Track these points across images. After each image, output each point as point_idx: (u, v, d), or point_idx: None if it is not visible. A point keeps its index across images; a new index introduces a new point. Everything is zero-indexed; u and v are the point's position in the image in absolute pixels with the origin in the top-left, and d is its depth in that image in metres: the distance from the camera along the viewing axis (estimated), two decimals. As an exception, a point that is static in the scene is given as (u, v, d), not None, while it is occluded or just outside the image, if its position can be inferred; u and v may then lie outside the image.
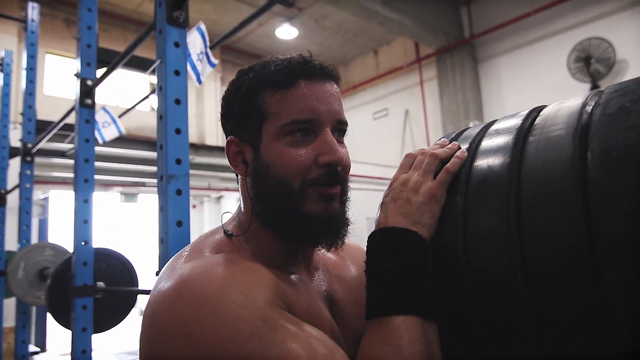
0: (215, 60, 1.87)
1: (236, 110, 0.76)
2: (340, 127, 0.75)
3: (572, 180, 0.56)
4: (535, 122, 0.69)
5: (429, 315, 0.62)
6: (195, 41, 1.79)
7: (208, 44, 1.93)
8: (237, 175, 0.80)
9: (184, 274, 0.63)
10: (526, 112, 0.74)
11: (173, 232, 1.56)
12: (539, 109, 0.74)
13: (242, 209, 0.79)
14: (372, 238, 0.68)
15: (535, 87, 7.71)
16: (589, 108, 0.62)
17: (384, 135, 10.13)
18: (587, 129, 0.59)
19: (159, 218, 1.60)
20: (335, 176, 0.72)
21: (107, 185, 9.11)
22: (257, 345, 0.56)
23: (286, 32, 9.28)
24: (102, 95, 7.74)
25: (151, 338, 0.60)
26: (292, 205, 0.71)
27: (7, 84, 4.31)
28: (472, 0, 8.63)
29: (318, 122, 0.72)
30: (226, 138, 0.79)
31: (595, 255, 0.52)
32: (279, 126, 0.71)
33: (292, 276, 0.74)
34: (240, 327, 0.56)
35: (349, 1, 7.07)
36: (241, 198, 0.79)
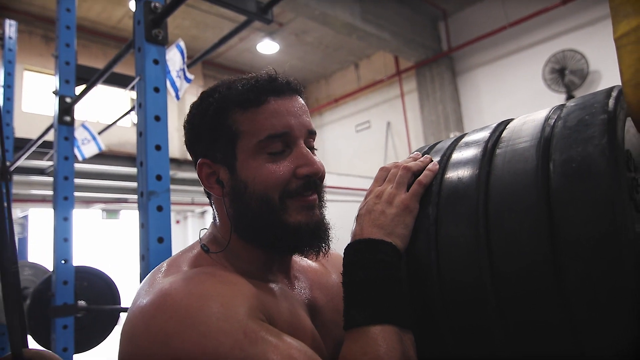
0: (191, 76, 1.88)
1: (205, 133, 0.77)
2: (311, 138, 0.79)
3: (536, 190, 0.59)
4: (502, 135, 0.72)
5: (405, 323, 0.64)
6: (174, 58, 1.81)
7: (185, 60, 1.95)
8: (208, 196, 0.81)
9: (164, 288, 0.63)
10: (495, 125, 0.77)
11: (154, 249, 1.55)
12: (507, 122, 0.77)
13: (218, 226, 0.80)
14: (347, 249, 0.70)
15: (512, 98, 7.87)
16: (551, 121, 0.66)
17: (367, 147, 10.21)
18: (549, 141, 0.62)
19: (139, 235, 1.59)
20: (314, 186, 0.75)
21: (89, 202, 8.99)
22: (238, 358, 0.56)
23: (267, 46, 9.34)
24: (83, 111, 7.67)
25: (131, 353, 0.60)
26: (275, 218, 0.73)
27: (-16, 101, 4.25)
28: (449, 15, 8.82)
29: (292, 135, 0.74)
30: (194, 160, 0.79)
31: (558, 261, 0.55)
32: (254, 143, 0.73)
33: (273, 286, 0.76)
34: (221, 340, 0.57)
35: (328, 17, 7.16)
36: (217, 216, 0.80)
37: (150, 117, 1.62)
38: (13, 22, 3.88)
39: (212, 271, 0.69)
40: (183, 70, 1.95)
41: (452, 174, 0.71)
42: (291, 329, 0.67)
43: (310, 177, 0.74)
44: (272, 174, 0.72)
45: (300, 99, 0.79)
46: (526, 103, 7.50)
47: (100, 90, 7.80)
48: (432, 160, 0.76)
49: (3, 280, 0.78)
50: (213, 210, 0.81)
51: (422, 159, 0.78)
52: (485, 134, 0.74)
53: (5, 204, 0.82)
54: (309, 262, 0.92)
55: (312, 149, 0.79)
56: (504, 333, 0.60)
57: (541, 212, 0.57)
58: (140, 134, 1.64)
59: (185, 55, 1.96)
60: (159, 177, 1.59)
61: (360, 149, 10.36)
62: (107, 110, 8.15)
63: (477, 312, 0.62)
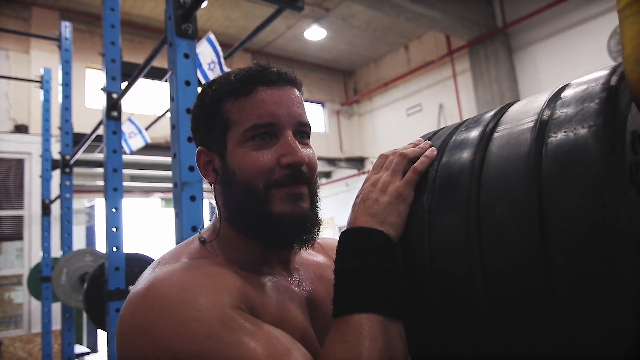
0: (226, 68, 1.91)
1: (202, 122, 0.80)
2: (302, 130, 0.77)
3: (527, 177, 0.55)
4: (502, 117, 0.67)
5: (392, 314, 0.62)
6: (205, 51, 1.84)
7: (221, 53, 1.98)
8: (211, 185, 0.83)
9: (151, 278, 0.66)
10: (500, 107, 0.73)
11: (188, 237, 1.61)
12: (512, 103, 0.73)
13: (217, 216, 0.81)
14: (340, 238, 0.69)
15: (575, 73, 7.32)
16: (552, 103, 0.61)
17: (419, 131, 9.93)
18: (546, 123, 0.58)
19: (175, 223, 1.66)
20: (299, 176, 0.74)
21: (148, 191, 9.44)
22: (214, 346, 0.58)
23: (315, 33, 9.31)
24: (137, 105, 8.02)
25: (119, 339, 0.64)
26: (259, 207, 0.73)
27: (47, 100, 4.55)
28: (503, -12, 8.39)
29: (278, 125, 0.74)
30: (197, 149, 0.82)
31: (548, 255, 0.51)
32: (241, 132, 0.74)
33: (266, 279, 0.76)
34: (197, 328, 0.59)
35: (375, -2, 7.02)
36: (215, 205, 0.82)
37: (182, 110, 1.67)
38: (68, 24, 4.11)
39: (198, 263, 0.71)
40: (219, 62, 1.99)
41: (448, 159, 0.68)
42: (277, 322, 0.68)
43: (294, 167, 0.73)
44: (255, 161, 0.73)
45: (294, 90, 0.78)
46: (589, 78, 7.03)
47: (153, 85, 8.12)
48: (432, 146, 0.73)
49: None
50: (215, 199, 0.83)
51: (421, 145, 0.75)
52: (487, 116, 0.71)
53: None
54: (315, 254, 0.92)
55: (304, 141, 0.78)
56: (495, 328, 0.57)
57: (531, 201, 0.53)
58: (173, 127, 1.69)
59: (218, 47, 1.99)
60: (191, 168, 1.64)
61: (411, 133, 10.15)
62: (161, 103, 8.47)
63: (468, 305, 0.59)
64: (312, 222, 0.76)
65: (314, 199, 0.78)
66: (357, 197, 0.74)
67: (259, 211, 0.73)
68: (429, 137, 0.80)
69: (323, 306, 0.81)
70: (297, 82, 0.79)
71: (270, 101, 0.74)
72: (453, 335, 0.62)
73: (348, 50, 10.52)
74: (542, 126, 0.57)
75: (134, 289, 0.68)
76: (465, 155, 0.65)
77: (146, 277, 0.69)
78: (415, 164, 0.71)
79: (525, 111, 0.64)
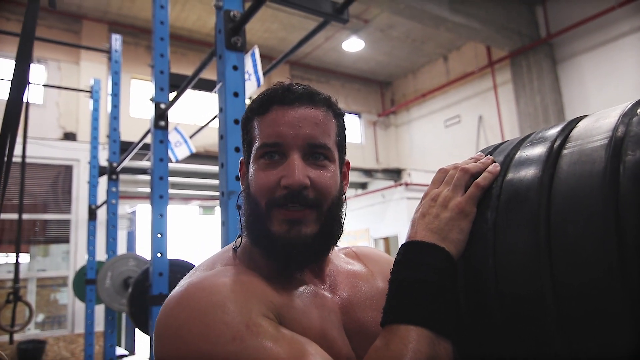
0: (262, 80, 1.96)
1: (243, 136, 0.85)
2: (317, 151, 0.76)
3: (602, 195, 0.53)
4: (571, 133, 0.65)
5: (443, 331, 0.61)
6: (245, 61, 1.88)
7: (259, 65, 2.02)
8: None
9: (187, 284, 0.70)
10: (566, 122, 0.71)
11: (234, 246, 1.63)
12: (580, 118, 0.70)
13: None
14: (400, 250, 0.69)
15: (622, 85, 7.13)
16: (626, 118, 0.59)
17: (457, 143, 9.84)
18: (622, 140, 0.56)
19: (221, 232, 1.68)
20: (297, 198, 0.73)
21: (187, 199, 9.66)
22: (238, 348, 0.60)
23: (353, 44, 9.36)
24: (180, 115, 8.24)
25: (155, 340, 0.68)
26: (261, 224, 0.75)
27: (96, 109, 4.75)
28: (547, -2, 8.21)
29: (284, 146, 0.75)
30: None
31: (627, 274, 0.49)
32: (255, 149, 0.77)
33: (297, 286, 0.77)
34: (223, 331, 0.62)
35: (414, 10, 6.99)
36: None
37: (230, 120, 1.70)
38: (118, 37, 4.27)
39: (230, 271, 0.74)
40: (255, 73, 2.02)
41: (514, 176, 0.66)
42: (305, 329, 0.70)
43: (291, 188, 0.72)
44: (259, 179, 0.75)
45: (314, 110, 0.77)
46: (638, 89, 6.75)
47: (197, 96, 8.34)
48: (494, 162, 0.72)
49: None
50: None
51: (483, 160, 0.74)
52: (553, 132, 0.69)
53: None
54: (351, 262, 0.92)
55: (320, 162, 0.76)
56: (565, 350, 0.55)
57: (608, 219, 0.51)
58: (221, 137, 1.73)
59: (258, 62, 2.03)
60: (237, 178, 1.66)
61: (449, 145, 10.01)
62: (203, 114, 8.68)
63: (536, 325, 0.57)
64: (311, 246, 0.74)
65: (327, 220, 0.76)
66: (416, 212, 0.73)
67: (261, 228, 0.75)
68: (489, 152, 0.79)
69: (357, 313, 0.81)
70: (320, 101, 0.79)
71: (280, 121, 0.75)
72: (517, 354, 0.60)
73: (386, 61, 10.51)
74: (618, 143, 0.56)
75: (172, 293, 0.71)
76: (533, 171, 0.64)
77: (183, 282, 0.73)
78: (477, 180, 0.69)
79: (596, 127, 0.62)
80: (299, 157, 0.75)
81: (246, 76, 1.87)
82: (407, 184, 8.14)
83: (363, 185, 10.83)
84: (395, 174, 9.83)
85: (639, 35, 7.02)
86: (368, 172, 10.06)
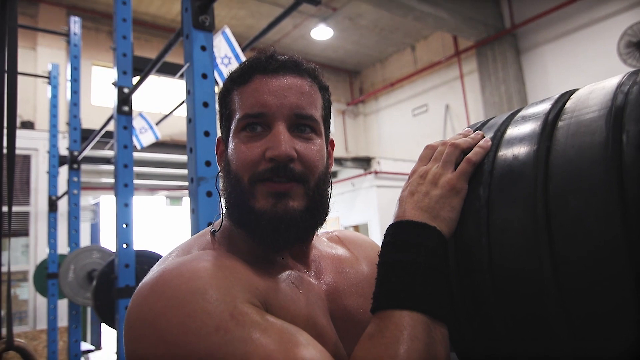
0: (243, 58, 1.88)
1: (220, 112, 0.79)
2: (302, 122, 0.72)
3: (605, 166, 0.51)
4: (566, 106, 0.63)
5: (438, 315, 0.58)
6: (219, 45, 1.81)
7: (237, 46, 1.94)
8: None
9: (161, 270, 0.63)
10: (557, 96, 0.68)
11: (205, 234, 1.57)
12: (572, 92, 0.68)
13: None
14: (387, 231, 0.65)
15: (584, 76, 7.34)
16: (625, 88, 0.56)
17: (424, 131, 9.94)
18: (622, 109, 0.53)
19: (190, 220, 1.61)
20: (283, 171, 0.68)
21: (153, 189, 9.41)
22: (223, 340, 0.54)
23: (321, 32, 9.27)
24: (145, 102, 7.99)
25: (126, 332, 0.61)
26: (244, 201, 0.69)
27: (54, 95, 4.53)
28: (512, -11, 8.34)
29: (269, 116, 0.70)
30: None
31: (632, 245, 0.47)
32: (236, 122, 0.72)
33: (281, 271, 0.72)
34: (206, 321, 0.55)
35: (383, -3, 6.97)
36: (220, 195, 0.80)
37: (198, 103, 1.62)
38: (77, 19, 4.07)
39: (210, 254, 0.67)
40: (235, 56, 1.95)
41: (507, 151, 0.64)
42: (293, 317, 0.64)
43: (277, 161, 0.68)
44: (242, 154, 0.69)
45: (299, 80, 0.73)
46: (599, 80, 6.97)
47: (163, 83, 8.10)
48: (484, 137, 0.69)
49: None
50: None
51: (472, 135, 0.70)
52: (545, 106, 0.66)
53: None
54: (335, 247, 0.87)
55: (305, 135, 0.72)
56: (565, 327, 0.52)
57: (611, 190, 0.49)
58: (189, 121, 1.65)
59: (234, 42, 1.95)
60: (207, 163, 1.60)
61: (417, 134, 10.11)
62: (169, 101, 8.45)
63: (534, 303, 0.55)
64: (293, 223, 0.69)
65: (314, 197, 0.71)
66: (403, 191, 0.69)
67: (244, 205, 0.69)
68: (478, 127, 0.76)
69: (343, 299, 0.77)
70: (306, 71, 0.74)
71: (264, 90, 0.70)
72: (515, 336, 0.57)
73: (354, 50, 10.48)
74: (619, 112, 0.53)
75: (144, 280, 0.64)
76: (527, 145, 0.61)
77: (156, 269, 0.66)
78: (468, 155, 0.66)
79: (592, 98, 0.60)
80: (285, 128, 0.69)
81: (226, 61, 1.79)
82: (376, 172, 8.18)
83: (333, 174, 10.83)
84: (364, 163, 9.87)
85: (598, 27, 7.22)
86: (338, 161, 10.05)
